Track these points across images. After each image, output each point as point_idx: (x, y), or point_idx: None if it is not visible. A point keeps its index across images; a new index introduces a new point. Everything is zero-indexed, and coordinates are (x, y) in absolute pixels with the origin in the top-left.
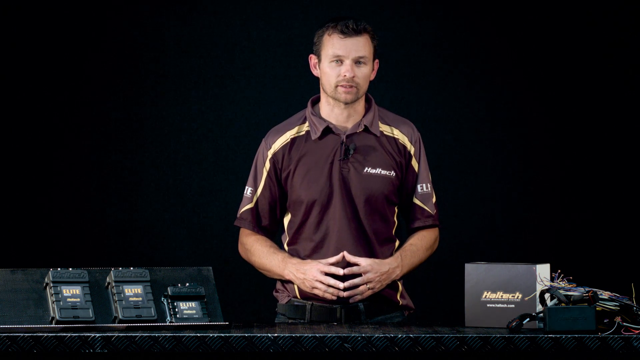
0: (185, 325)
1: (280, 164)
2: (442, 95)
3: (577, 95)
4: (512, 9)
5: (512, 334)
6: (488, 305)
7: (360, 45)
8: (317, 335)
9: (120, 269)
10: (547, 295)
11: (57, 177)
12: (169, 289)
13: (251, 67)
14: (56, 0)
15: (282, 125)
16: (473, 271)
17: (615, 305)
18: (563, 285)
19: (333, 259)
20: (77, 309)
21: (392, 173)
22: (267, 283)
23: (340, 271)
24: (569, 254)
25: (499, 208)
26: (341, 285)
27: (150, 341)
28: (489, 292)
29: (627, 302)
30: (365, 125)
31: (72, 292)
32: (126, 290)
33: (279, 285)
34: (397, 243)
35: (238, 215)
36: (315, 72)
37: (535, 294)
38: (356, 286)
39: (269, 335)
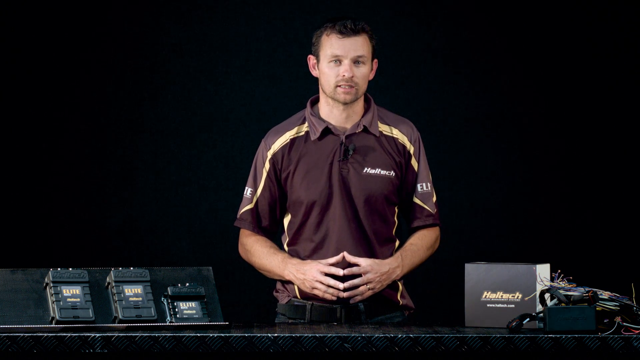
0: (185, 325)
1: (280, 165)
2: (442, 95)
3: (577, 95)
4: (512, 8)
5: (512, 334)
6: (488, 305)
7: (358, 45)
8: (317, 335)
9: (120, 269)
10: (547, 295)
11: (57, 177)
12: (169, 289)
13: (251, 68)
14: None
15: (281, 125)
16: (473, 271)
17: (615, 305)
18: (563, 285)
19: (333, 260)
20: (77, 309)
21: (392, 173)
22: (267, 283)
23: (340, 272)
24: (569, 254)
25: (499, 208)
26: (341, 285)
27: (150, 341)
28: (489, 292)
29: (627, 302)
30: (364, 126)
31: (72, 292)
32: (126, 290)
33: (279, 286)
34: (397, 243)
35: (238, 216)
36: (314, 73)
37: (535, 294)
38: (356, 287)
39: (269, 335)
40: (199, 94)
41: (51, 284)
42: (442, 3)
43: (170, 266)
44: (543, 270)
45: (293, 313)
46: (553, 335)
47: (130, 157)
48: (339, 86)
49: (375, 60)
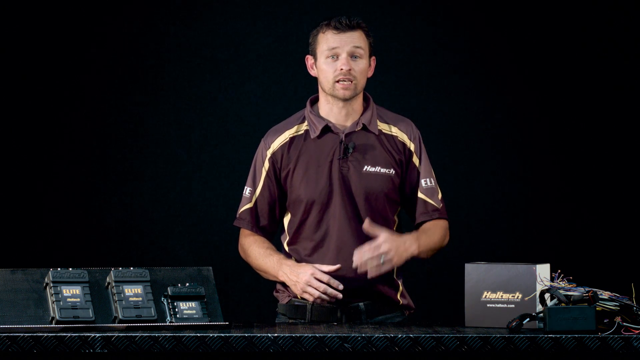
0: (185, 325)
1: (280, 164)
2: (442, 95)
3: (577, 95)
4: (512, 8)
5: (512, 334)
6: (488, 305)
7: (355, 38)
8: (317, 335)
9: (120, 269)
10: (547, 295)
11: (57, 177)
12: (169, 289)
13: (250, 68)
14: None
15: (281, 125)
16: (473, 271)
17: (615, 305)
18: (563, 285)
19: (326, 268)
20: (77, 309)
21: (392, 171)
22: (267, 283)
23: (340, 285)
24: (569, 254)
25: (499, 208)
26: (341, 286)
27: (150, 341)
28: (489, 292)
29: (627, 302)
30: (363, 124)
31: (72, 292)
32: (126, 290)
33: (279, 285)
34: None
35: (237, 216)
36: (313, 73)
37: (535, 294)
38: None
39: (269, 335)
40: (199, 94)
41: (51, 284)
42: (442, 3)
43: (170, 266)
44: (543, 270)
45: (293, 313)
46: (553, 335)
47: (130, 157)
48: (338, 82)
49: (373, 57)
